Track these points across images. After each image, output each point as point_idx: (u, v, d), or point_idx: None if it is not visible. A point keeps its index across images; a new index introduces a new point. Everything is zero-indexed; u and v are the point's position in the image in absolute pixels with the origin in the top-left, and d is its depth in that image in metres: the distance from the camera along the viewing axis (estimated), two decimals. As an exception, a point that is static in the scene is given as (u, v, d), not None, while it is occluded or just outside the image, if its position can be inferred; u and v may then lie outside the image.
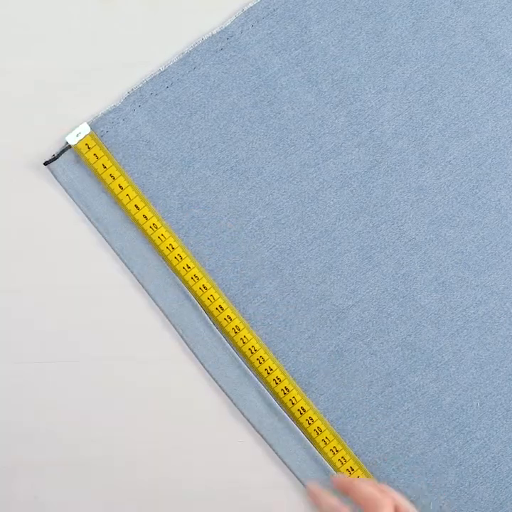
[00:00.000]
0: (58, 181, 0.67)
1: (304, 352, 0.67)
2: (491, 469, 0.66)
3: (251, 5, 0.67)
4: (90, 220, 0.67)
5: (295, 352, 0.67)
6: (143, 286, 0.67)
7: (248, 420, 0.66)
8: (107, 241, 0.67)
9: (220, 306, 0.67)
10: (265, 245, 0.67)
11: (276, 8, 0.67)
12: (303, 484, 0.66)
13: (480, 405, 0.66)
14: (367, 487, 0.58)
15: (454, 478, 0.66)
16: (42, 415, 0.67)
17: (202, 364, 0.67)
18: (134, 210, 0.66)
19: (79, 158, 0.66)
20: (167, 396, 0.67)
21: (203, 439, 0.66)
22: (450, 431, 0.66)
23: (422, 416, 0.66)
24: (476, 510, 0.66)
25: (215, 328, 0.67)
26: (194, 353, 0.67)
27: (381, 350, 0.67)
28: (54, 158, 0.67)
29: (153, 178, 0.67)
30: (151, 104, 0.67)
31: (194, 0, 0.68)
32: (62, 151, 0.67)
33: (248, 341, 0.66)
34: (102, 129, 0.67)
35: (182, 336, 0.67)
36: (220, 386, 0.67)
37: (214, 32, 0.67)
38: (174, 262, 0.67)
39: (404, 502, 0.58)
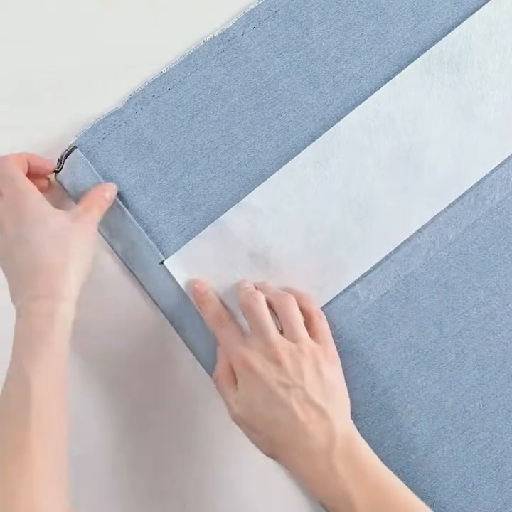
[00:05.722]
0: (59, 183, 0.67)
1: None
2: (494, 470, 0.66)
3: (252, 7, 0.67)
4: (92, 222, 0.67)
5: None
6: (144, 288, 0.67)
7: None
8: (108, 243, 0.67)
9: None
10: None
11: (278, 10, 0.67)
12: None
13: (483, 406, 0.66)
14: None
15: (457, 479, 0.66)
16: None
17: (202, 365, 0.67)
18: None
19: (81, 160, 0.66)
20: (167, 396, 0.67)
21: (204, 437, 0.66)
22: (453, 432, 0.66)
23: (424, 417, 0.66)
24: (480, 511, 0.66)
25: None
26: (194, 355, 0.67)
27: (384, 351, 0.67)
28: (60, 166, 0.66)
29: (155, 181, 0.67)
30: (153, 106, 0.67)
31: (195, 1, 0.68)
32: (66, 156, 0.66)
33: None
34: (103, 132, 0.67)
35: (182, 338, 0.67)
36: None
37: (215, 34, 0.67)
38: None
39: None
